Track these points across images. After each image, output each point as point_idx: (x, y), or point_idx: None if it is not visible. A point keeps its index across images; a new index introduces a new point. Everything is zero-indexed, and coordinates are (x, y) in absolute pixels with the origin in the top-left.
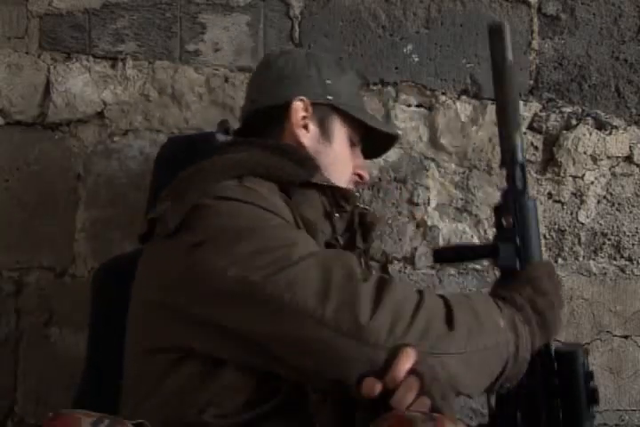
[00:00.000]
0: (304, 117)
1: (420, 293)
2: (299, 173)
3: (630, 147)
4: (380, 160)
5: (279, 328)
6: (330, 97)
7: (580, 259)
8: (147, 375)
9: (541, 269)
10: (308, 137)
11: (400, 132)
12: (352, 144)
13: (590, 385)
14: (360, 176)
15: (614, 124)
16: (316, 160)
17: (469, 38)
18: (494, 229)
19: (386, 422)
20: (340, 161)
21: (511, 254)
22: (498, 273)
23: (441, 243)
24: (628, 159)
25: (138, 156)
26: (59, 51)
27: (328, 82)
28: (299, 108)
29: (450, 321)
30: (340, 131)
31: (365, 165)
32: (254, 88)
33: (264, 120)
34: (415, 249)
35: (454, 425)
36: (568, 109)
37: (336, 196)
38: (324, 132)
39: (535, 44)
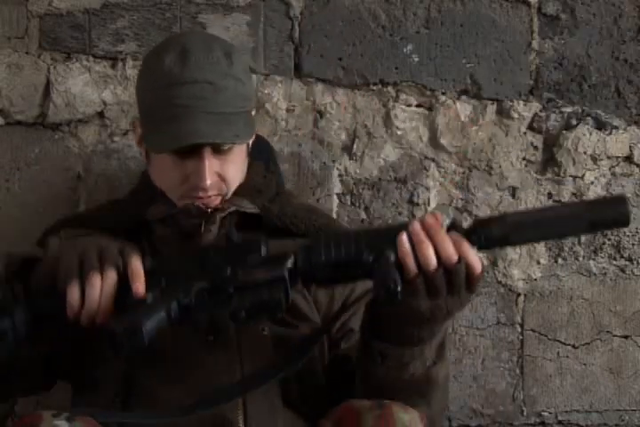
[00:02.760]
0: (140, 137)
1: None
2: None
3: (630, 147)
4: (380, 160)
5: None
6: (140, 112)
7: (580, 259)
8: None
9: None
10: (144, 157)
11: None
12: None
13: None
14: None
15: (614, 124)
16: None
17: (469, 38)
18: None
19: (335, 414)
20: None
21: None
22: (497, 273)
23: None
24: (628, 159)
25: (138, 156)
26: (59, 51)
27: (141, 91)
28: (135, 126)
29: None
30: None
31: (200, 171)
32: None
33: None
34: None
35: (404, 412)
36: (568, 109)
37: None
38: (147, 153)
39: (535, 44)
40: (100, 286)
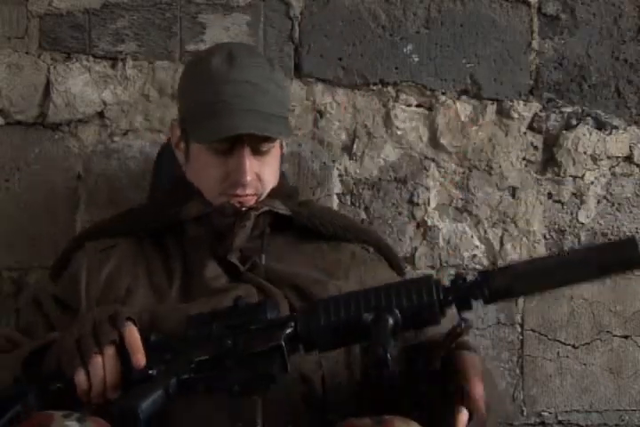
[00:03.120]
0: (179, 139)
1: None
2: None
3: (630, 147)
4: (380, 160)
5: None
6: (183, 111)
7: None
8: None
9: None
10: (182, 158)
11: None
12: (219, 151)
13: None
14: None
15: (614, 124)
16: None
17: (469, 38)
18: (494, 230)
19: None
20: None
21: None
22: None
23: (441, 243)
24: (628, 159)
25: (138, 156)
26: (59, 51)
27: (186, 91)
28: (173, 129)
29: None
30: (195, 146)
31: (240, 167)
32: None
33: None
34: (415, 249)
35: (407, 425)
36: (568, 109)
37: None
38: (186, 153)
39: (535, 44)
40: (102, 365)
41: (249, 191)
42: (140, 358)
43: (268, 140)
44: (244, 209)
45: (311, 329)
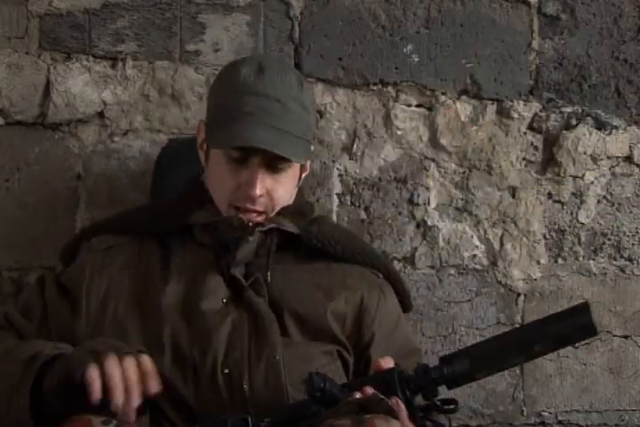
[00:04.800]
0: (203, 140)
1: None
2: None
3: (630, 147)
4: (380, 160)
5: None
6: (207, 115)
7: (580, 259)
8: None
9: None
10: (203, 160)
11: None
12: (234, 160)
13: None
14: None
15: (614, 124)
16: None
17: (469, 38)
18: (494, 230)
19: None
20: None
21: None
22: (497, 273)
23: (441, 243)
24: (628, 159)
25: (138, 156)
26: (59, 51)
27: (213, 95)
28: (200, 129)
29: None
30: (214, 151)
31: (252, 180)
32: None
33: None
34: (415, 249)
35: (386, 423)
36: (568, 109)
37: None
38: (207, 156)
39: (535, 44)
40: (119, 363)
41: (257, 207)
42: (155, 385)
43: (285, 158)
44: (250, 224)
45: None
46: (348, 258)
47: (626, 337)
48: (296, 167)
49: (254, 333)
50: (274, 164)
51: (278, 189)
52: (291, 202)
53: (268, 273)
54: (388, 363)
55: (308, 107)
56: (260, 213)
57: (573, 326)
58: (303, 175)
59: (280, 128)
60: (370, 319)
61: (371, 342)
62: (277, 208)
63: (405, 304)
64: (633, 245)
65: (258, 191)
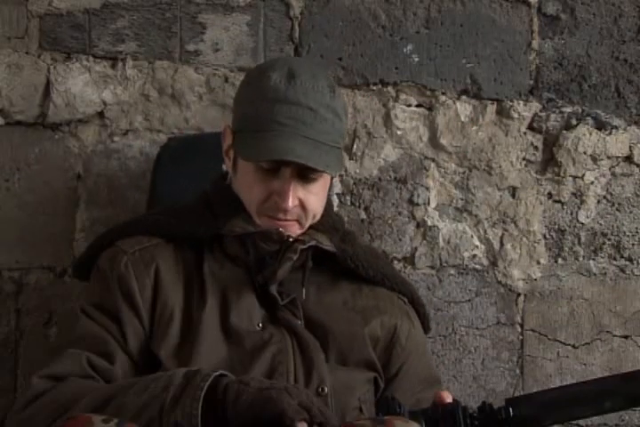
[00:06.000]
0: (229, 146)
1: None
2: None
3: (630, 147)
4: (380, 160)
5: None
6: (236, 121)
7: (580, 259)
8: None
9: None
10: (229, 166)
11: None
12: (265, 170)
13: None
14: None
15: (614, 124)
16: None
17: (469, 38)
18: (494, 230)
19: None
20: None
21: None
22: (497, 273)
23: (441, 243)
24: (628, 159)
25: (138, 156)
26: (59, 51)
27: (241, 102)
28: (225, 134)
29: None
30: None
31: (284, 191)
32: None
33: None
34: (415, 249)
35: (405, 424)
36: (568, 109)
37: None
38: (234, 163)
39: (535, 44)
40: None
41: (289, 217)
42: None
43: (317, 169)
44: (291, 240)
45: None
46: (377, 282)
47: (626, 337)
48: (327, 176)
49: (300, 359)
50: (307, 174)
51: (311, 199)
52: (321, 213)
53: (303, 291)
54: (448, 397)
55: (340, 113)
56: (293, 220)
57: None
58: (332, 183)
59: (314, 138)
60: (400, 348)
61: (398, 372)
62: (310, 219)
63: (425, 328)
64: (633, 245)
65: (291, 203)
